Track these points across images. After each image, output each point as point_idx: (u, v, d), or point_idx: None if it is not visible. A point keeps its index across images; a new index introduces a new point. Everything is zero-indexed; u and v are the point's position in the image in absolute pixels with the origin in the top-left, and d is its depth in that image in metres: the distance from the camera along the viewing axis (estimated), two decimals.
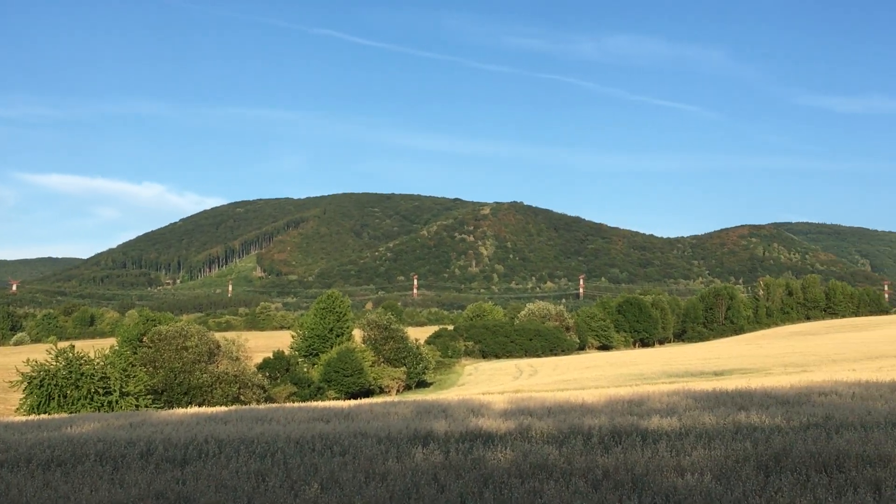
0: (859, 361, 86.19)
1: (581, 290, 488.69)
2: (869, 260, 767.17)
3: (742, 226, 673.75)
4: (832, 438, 17.21)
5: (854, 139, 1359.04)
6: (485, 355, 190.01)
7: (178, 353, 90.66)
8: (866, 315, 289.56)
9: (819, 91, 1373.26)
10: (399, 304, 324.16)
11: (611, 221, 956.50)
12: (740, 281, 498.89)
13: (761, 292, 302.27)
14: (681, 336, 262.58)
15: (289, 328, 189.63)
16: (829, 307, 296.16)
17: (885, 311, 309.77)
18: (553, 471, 15.51)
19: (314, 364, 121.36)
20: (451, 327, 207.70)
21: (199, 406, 63.53)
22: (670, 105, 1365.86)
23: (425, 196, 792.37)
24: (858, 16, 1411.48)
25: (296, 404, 49.35)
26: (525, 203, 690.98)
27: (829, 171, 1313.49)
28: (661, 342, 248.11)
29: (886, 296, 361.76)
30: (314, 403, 48.06)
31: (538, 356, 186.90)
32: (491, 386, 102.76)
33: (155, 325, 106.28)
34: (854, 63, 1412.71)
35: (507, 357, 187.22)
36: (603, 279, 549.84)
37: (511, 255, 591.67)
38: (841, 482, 13.65)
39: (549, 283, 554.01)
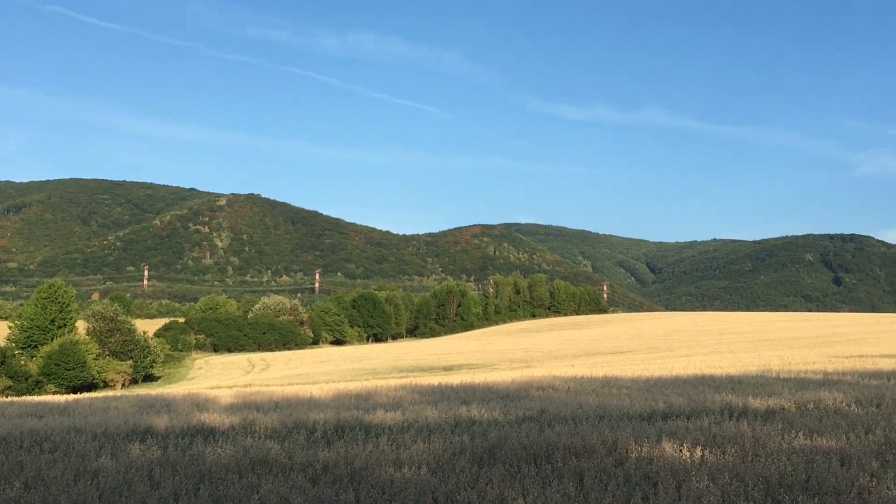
0: (578, 357, 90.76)
1: (317, 285, 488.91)
2: (590, 261, 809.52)
3: (475, 225, 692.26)
4: (544, 431, 17.92)
5: (580, 146, 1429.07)
6: (216, 349, 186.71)
7: None
8: (587, 314, 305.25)
9: (549, 98, 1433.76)
10: (128, 295, 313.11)
11: (348, 217, 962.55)
12: (472, 279, 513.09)
13: (491, 290, 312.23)
14: (413, 332, 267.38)
15: (6, 319, 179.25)
16: (553, 305, 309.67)
17: (604, 310, 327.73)
18: (273, 465, 15.38)
19: (33, 356, 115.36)
20: (182, 320, 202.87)
21: None
22: (409, 104, 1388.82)
23: (159, 185, 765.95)
24: (586, 29, 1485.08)
25: (9, 399, 46.68)
26: (263, 195, 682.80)
27: (557, 175, 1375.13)
28: (395, 337, 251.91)
29: (605, 296, 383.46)
30: (29, 398, 45.73)
31: (271, 350, 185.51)
32: (221, 380, 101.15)
33: None
34: (581, 73, 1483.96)
35: (240, 351, 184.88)
36: (339, 274, 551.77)
37: (247, 248, 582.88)
38: (548, 473, 14.25)
39: (284, 277, 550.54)
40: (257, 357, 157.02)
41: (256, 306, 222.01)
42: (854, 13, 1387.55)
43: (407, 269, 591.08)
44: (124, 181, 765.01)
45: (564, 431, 17.76)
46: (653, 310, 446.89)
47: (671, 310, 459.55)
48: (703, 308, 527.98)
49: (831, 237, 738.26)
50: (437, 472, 14.50)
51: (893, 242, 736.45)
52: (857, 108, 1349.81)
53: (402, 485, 13.63)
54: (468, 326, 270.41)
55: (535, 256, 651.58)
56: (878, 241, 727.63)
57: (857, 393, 23.82)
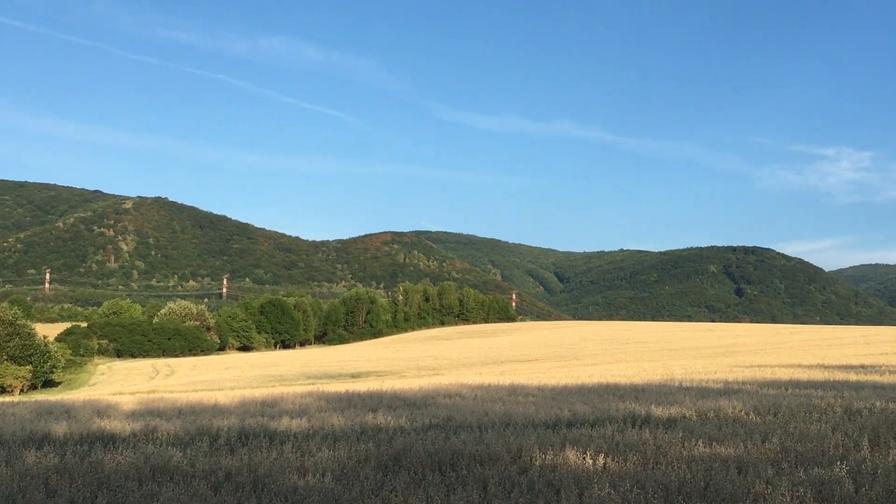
0: (486, 365, 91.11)
1: (224, 290, 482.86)
2: (500, 270, 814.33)
3: (385, 232, 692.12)
4: (450, 439, 17.96)
5: (491, 155, 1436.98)
6: (120, 354, 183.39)
7: None
8: (495, 322, 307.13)
9: (461, 107, 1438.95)
10: (28, 298, 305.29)
11: (257, 222, 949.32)
12: (382, 286, 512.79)
13: (400, 297, 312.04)
14: (322, 338, 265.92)
15: None
16: (462, 313, 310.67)
17: (512, 319, 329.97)
18: (174, 473, 15.14)
19: None
20: (84, 325, 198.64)
21: None
22: (320, 109, 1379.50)
23: (62, 186, 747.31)
24: (499, 40, 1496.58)
25: None
26: (170, 199, 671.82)
27: (468, 184, 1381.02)
28: (303, 344, 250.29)
29: (514, 304, 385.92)
30: None
31: (177, 356, 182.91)
32: (125, 386, 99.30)
33: None
34: (493, 83, 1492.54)
35: (145, 356, 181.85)
36: (247, 280, 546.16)
37: (153, 252, 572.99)
38: (453, 480, 14.26)
39: (191, 282, 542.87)
40: (162, 363, 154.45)
41: (162, 311, 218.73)
42: (757, 31, 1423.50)
43: (316, 275, 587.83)
44: (26, 182, 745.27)
45: (470, 439, 17.82)
46: (560, 318, 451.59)
47: (578, 319, 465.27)
48: (610, 317, 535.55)
49: (734, 249, 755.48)
50: (342, 480, 14.44)
51: (793, 255, 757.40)
52: (759, 123, 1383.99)
53: (305, 492, 13.55)
54: (377, 333, 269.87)
55: (445, 264, 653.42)
56: (779, 253, 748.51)
57: (756, 402, 24.35)
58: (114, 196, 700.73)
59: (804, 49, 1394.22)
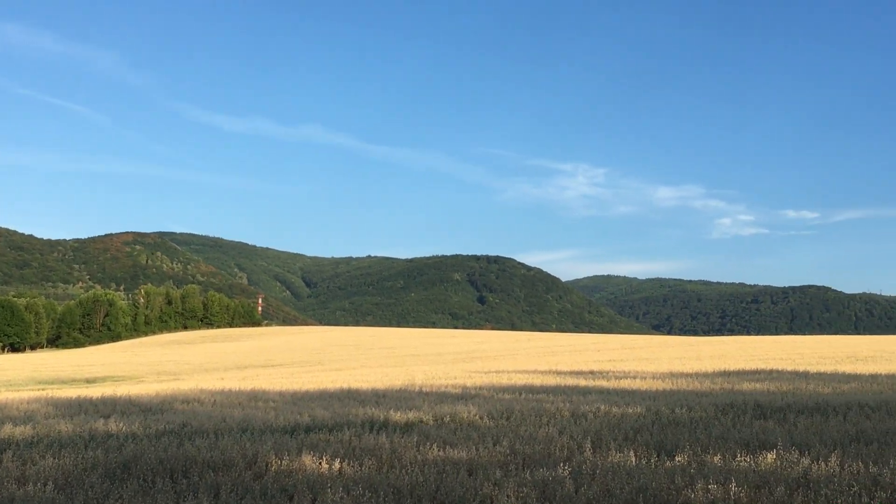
0: (229, 371, 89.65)
1: None
2: (247, 274, 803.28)
3: (127, 232, 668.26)
4: (184, 445, 17.60)
5: (238, 158, 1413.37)
6: None
7: None
8: (240, 326, 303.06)
9: (208, 108, 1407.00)
10: None
11: None
12: (122, 288, 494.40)
13: (142, 300, 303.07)
14: (56, 342, 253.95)
15: None
16: (206, 317, 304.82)
17: (258, 323, 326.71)
18: None
19: None
20: None
21: None
22: (58, 102, 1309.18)
23: None
24: (246, 40, 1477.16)
25: None
26: None
27: (215, 186, 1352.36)
28: (34, 348, 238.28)
29: (260, 309, 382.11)
30: None
31: None
32: None
33: None
34: (241, 85, 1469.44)
35: None
36: None
37: None
38: (184, 487, 13.96)
39: None
40: None
41: None
42: (498, 47, 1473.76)
43: (51, 275, 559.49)
44: None
45: (204, 445, 17.54)
46: (307, 324, 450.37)
47: (325, 324, 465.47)
48: (357, 323, 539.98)
49: (477, 258, 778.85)
50: (65, 489, 13.88)
51: (532, 265, 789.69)
52: (502, 137, 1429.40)
53: (23, 502, 12.93)
54: (116, 337, 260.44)
55: (189, 267, 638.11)
56: (519, 263, 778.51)
57: (491, 406, 25.14)
58: None
59: (543, 66, 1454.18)
